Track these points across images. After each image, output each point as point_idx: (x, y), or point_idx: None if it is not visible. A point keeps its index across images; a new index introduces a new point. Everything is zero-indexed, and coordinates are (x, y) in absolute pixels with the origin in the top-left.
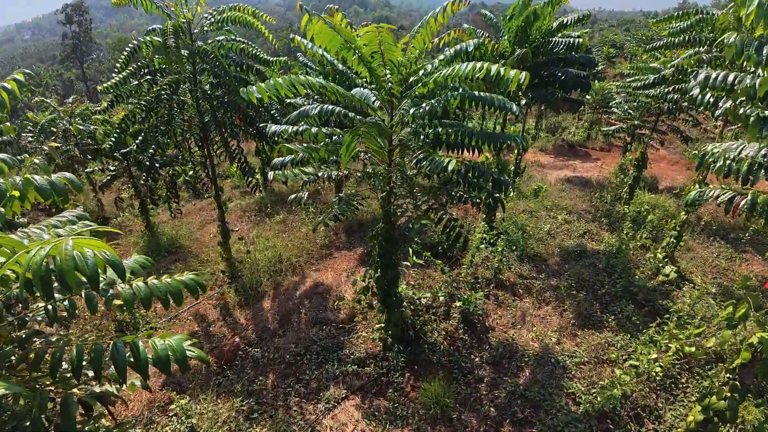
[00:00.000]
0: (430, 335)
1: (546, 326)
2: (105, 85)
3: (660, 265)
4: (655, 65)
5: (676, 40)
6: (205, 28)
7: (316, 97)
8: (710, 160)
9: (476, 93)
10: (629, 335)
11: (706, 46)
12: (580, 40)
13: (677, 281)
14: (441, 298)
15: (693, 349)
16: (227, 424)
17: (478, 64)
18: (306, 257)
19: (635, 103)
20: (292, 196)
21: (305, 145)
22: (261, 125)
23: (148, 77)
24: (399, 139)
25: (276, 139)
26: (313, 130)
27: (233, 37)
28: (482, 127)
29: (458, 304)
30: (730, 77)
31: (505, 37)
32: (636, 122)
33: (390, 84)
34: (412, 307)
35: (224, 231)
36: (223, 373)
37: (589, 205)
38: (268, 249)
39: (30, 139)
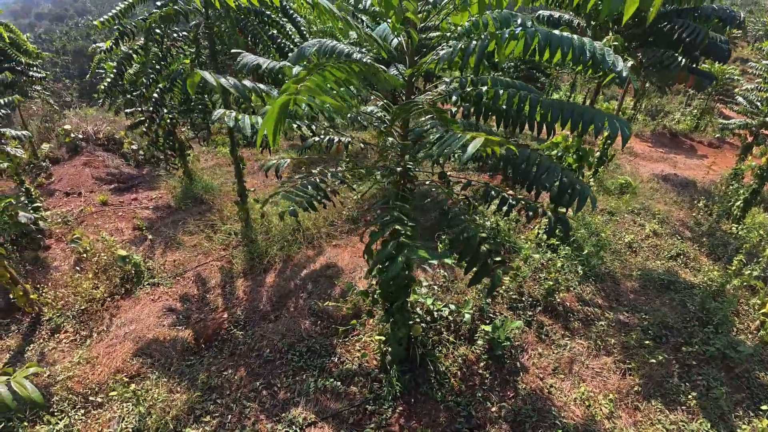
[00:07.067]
0: (441, 361)
1: (599, 385)
2: (104, 18)
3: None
4: None
5: None
6: None
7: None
8: None
9: (557, 33)
10: (710, 424)
11: None
12: None
13: None
14: (467, 316)
15: None
16: (175, 420)
17: None
18: (328, 229)
19: None
20: (270, 164)
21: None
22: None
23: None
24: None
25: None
26: (295, 70)
27: None
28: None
29: (486, 328)
30: None
31: None
32: (766, 119)
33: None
34: (427, 318)
35: (241, 190)
36: (198, 353)
37: (688, 216)
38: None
39: None
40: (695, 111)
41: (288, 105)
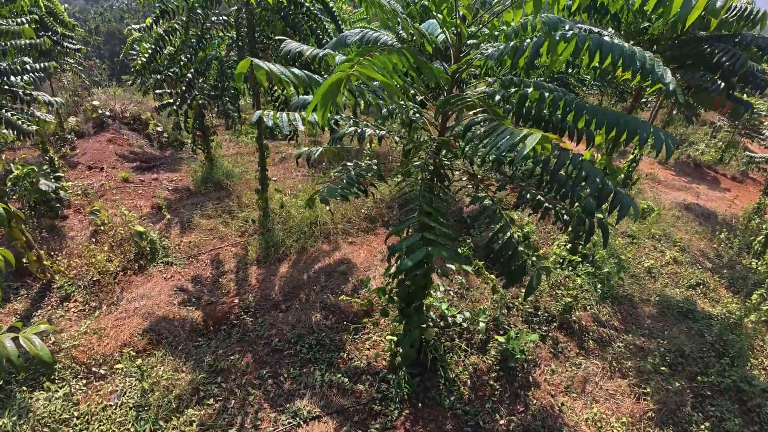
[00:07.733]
0: (452, 368)
1: (612, 408)
2: None
3: None
4: None
5: None
6: None
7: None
8: None
9: (607, 39)
10: None
11: None
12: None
13: None
14: (481, 324)
15: None
16: (178, 399)
17: None
18: (345, 225)
19: None
20: (301, 151)
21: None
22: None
23: None
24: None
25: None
26: (338, 58)
27: None
28: None
29: (500, 339)
30: None
31: None
32: None
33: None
34: (441, 323)
35: (263, 179)
36: (206, 335)
37: (709, 246)
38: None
39: None
40: (720, 143)
41: (340, 84)
